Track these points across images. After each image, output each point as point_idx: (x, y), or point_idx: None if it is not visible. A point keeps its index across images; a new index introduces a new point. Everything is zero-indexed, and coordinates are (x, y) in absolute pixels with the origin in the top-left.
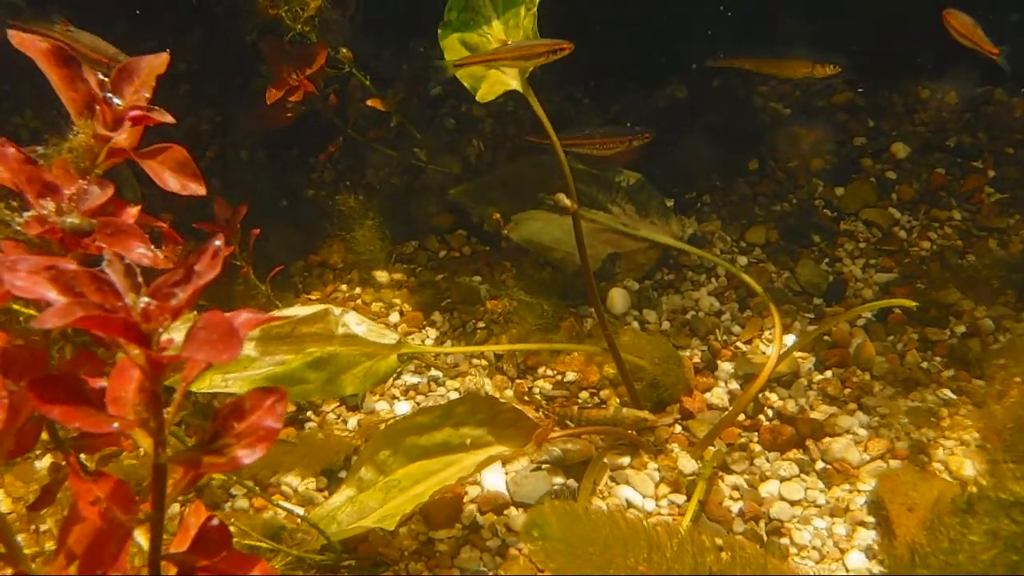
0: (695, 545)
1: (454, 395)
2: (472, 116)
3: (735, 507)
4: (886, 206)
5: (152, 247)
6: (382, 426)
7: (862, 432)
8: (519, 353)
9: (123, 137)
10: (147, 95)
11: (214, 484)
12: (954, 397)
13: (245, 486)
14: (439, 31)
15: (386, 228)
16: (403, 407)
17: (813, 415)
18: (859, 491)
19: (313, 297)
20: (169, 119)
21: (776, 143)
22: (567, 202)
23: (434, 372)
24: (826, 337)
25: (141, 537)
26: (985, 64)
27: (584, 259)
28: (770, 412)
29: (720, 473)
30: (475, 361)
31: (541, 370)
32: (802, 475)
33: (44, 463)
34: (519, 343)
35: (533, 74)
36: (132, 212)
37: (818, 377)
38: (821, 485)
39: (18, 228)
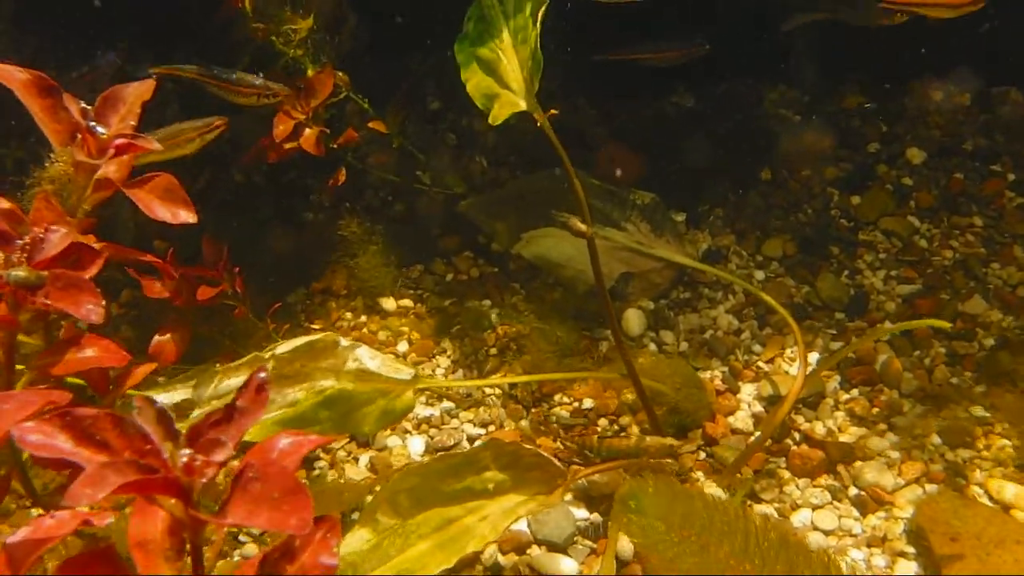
0: (790, 546)
1: (468, 427)
2: (473, 130)
3: None
4: (905, 214)
5: (103, 303)
6: (394, 463)
7: (894, 455)
8: (534, 381)
9: (112, 169)
10: (133, 123)
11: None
12: (987, 414)
13: (251, 534)
14: (456, 45)
15: (390, 252)
16: (416, 442)
17: (842, 437)
18: (896, 518)
19: (316, 327)
20: (156, 147)
21: (788, 151)
22: (582, 227)
23: (447, 403)
24: (850, 354)
25: None
26: (997, 62)
27: (600, 281)
28: (797, 435)
29: (749, 502)
30: (488, 390)
31: (557, 397)
32: (835, 502)
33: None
34: (533, 370)
35: (540, 88)
36: (95, 263)
37: (844, 396)
38: (855, 513)
39: None
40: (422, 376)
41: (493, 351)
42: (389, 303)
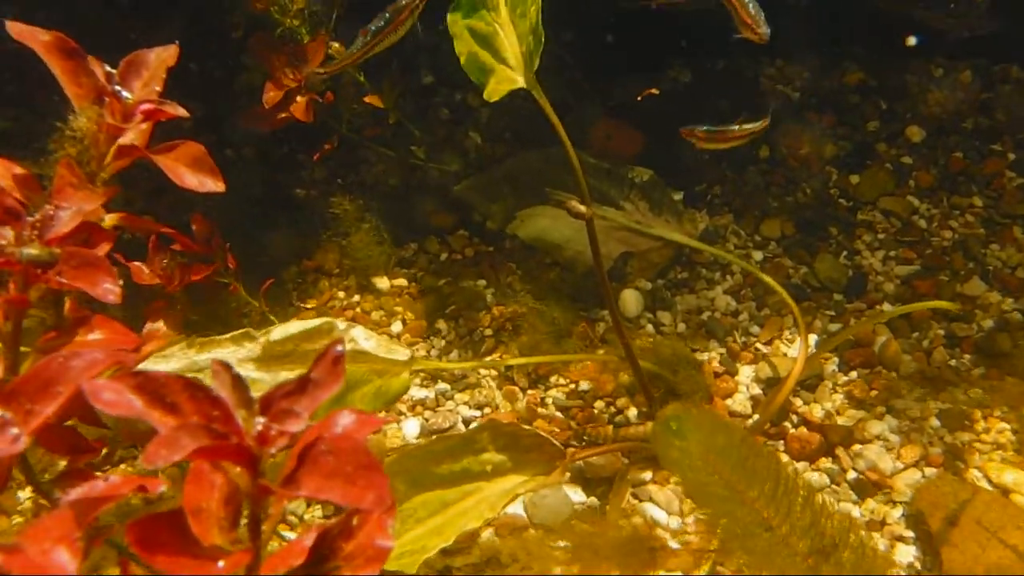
0: (818, 506)
1: (464, 408)
2: (467, 105)
3: None
4: (904, 194)
5: (120, 282)
6: (389, 445)
7: (893, 438)
8: (530, 363)
9: (135, 136)
10: (158, 88)
11: None
12: (986, 397)
13: None
14: (448, 16)
15: (384, 230)
16: (411, 424)
17: (841, 420)
18: (895, 503)
19: (309, 306)
20: (183, 113)
21: (786, 128)
22: (581, 208)
23: (441, 385)
24: (849, 336)
25: None
26: (999, 41)
27: (599, 264)
28: (795, 418)
29: None
30: (483, 371)
31: (553, 379)
32: (833, 486)
33: (25, 493)
34: (529, 351)
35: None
36: (106, 241)
37: (843, 379)
38: (854, 496)
39: None
40: (417, 357)
41: (488, 332)
42: (383, 282)
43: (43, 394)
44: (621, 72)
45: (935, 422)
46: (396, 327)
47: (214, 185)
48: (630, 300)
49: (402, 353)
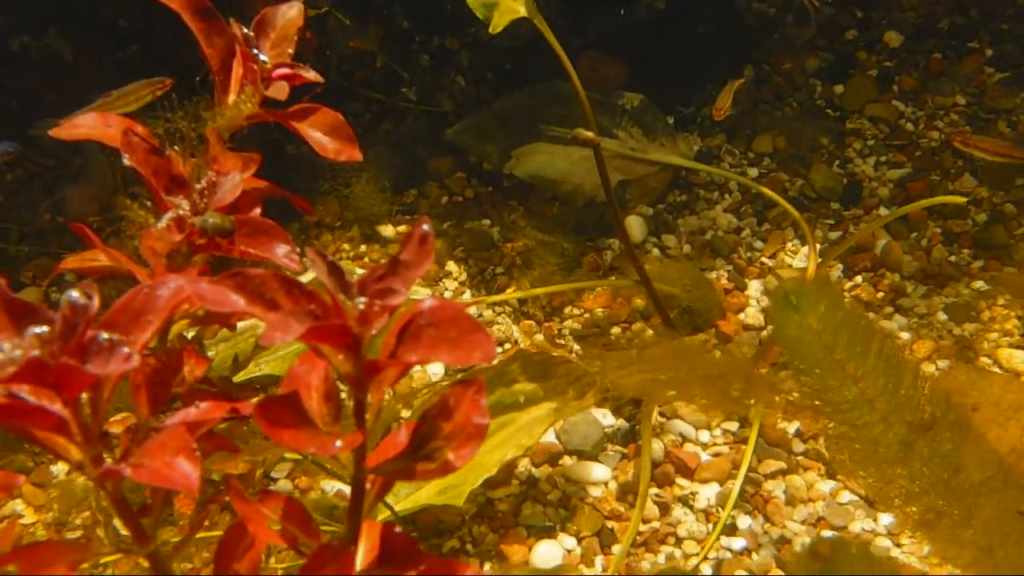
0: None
1: None
2: (447, 49)
3: (791, 428)
4: (889, 99)
5: (297, 248)
6: (415, 386)
7: (905, 335)
8: (543, 295)
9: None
10: (290, 51)
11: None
12: (988, 288)
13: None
14: None
15: (382, 178)
16: (435, 364)
17: None
18: None
19: None
20: (318, 78)
21: (767, 45)
22: (589, 135)
23: None
24: (852, 242)
25: None
26: None
27: (608, 190)
28: None
29: None
30: (498, 308)
31: (568, 309)
32: None
33: (60, 468)
34: (545, 285)
35: None
36: (255, 206)
37: (849, 284)
38: None
39: (155, 232)
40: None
41: (500, 269)
42: (387, 230)
43: (135, 324)
44: (593, 5)
45: (942, 316)
46: None
47: (352, 153)
48: (634, 226)
49: (422, 294)
